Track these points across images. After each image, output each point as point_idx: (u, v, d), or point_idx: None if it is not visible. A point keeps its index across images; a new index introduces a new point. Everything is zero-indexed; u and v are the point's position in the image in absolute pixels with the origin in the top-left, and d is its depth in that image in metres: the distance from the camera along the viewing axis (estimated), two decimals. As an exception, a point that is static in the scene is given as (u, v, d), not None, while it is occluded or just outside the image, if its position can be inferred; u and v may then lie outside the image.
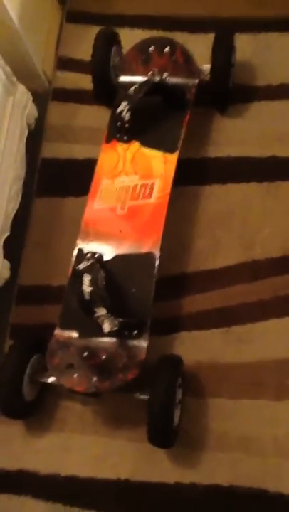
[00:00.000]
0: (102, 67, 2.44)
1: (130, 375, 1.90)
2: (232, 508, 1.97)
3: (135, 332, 1.97)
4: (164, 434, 1.91)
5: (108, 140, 2.33)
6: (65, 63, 2.72)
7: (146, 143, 2.28)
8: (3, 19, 2.29)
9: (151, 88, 2.29)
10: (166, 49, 2.40)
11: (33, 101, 2.50)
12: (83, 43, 2.64)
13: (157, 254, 2.07)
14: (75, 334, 2.02)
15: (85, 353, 1.96)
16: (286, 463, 1.98)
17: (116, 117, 2.30)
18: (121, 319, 1.92)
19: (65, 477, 2.03)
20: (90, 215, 2.20)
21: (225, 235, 2.31)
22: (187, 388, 2.04)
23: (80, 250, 2.14)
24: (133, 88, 2.29)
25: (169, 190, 2.17)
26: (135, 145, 2.29)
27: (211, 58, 2.38)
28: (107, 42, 2.47)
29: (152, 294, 2.03)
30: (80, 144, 2.54)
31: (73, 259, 2.13)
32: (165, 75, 2.36)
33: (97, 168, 2.28)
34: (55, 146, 2.55)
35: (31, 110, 2.49)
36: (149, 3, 2.79)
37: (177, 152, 2.24)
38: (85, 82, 2.55)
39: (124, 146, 2.30)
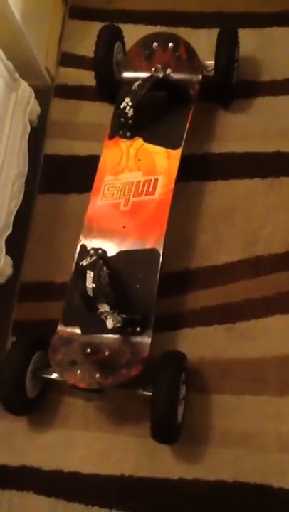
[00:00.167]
0: (105, 64, 2.44)
1: (134, 372, 1.90)
2: (235, 503, 1.97)
3: (138, 328, 1.97)
4: (168, 430, 1.91)
5: (111, 136, 2.33)
6: (67, 59, 2.73)
7: (149, 139, 2.28)
8: (5, 15, 2.29)
9: (154, 84, 2.29)
10: (170, 45, 2.40)
11: (36, 97, 2.49)
12: (86, 39, 2.65)
13: (161, 250, 2.07)
14: (77, 330, 2.02)
15: (88, 350, 1.96)
16: (289, 458, 1.99)
17: (119, 113, 2.29)
18: (124, 315, 1.92)
19: (68, 473, 2.03)
20: (93, 211, 2.20)
21: (228, 230, 2.31)
22: (190, 384, 2.04)
23: (83, 246, 2.14)
24: (136, 84, 2.29)
25: (172, 186, 2.17)
26: (138, 141, 2.29)
27: (214, 54, 2.38)
28: (110, 38, 2.47)
29: (156, 290, 2.03)
30: (82, 140, 2.54)
31: (76, 255, 2.13)
32: (168, 70, 2.37)
33: (100, 165, 2.28)
34: (58, 143, 2.56)
35: (34, 107, 2.48)
36: (152, -1, 2.80)
37: (180, 148, 2.24)
38: (87, 78, 2.55)
39: (128, 142, 2.30)
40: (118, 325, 1.90)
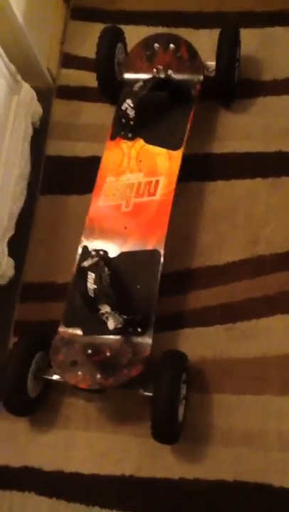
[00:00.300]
0: (107, 65, 2.44)
1: (134, 372, 1.91)
2: (236, 503, 1.97)
3: (139, 329, 1.98)
4: (168, 430, 1.92)
5: (113, 137, 2.33)
6: (69, 60, 2.73)
7: (150, 140, 2.29)
8: (7, 17, 2.29)
9: (155, 85, 2.30)
10: (171, 45, 2.41)
11: (38, 98, 2.50)
12: (88, 40, 2.65)
13: (162, 251, 2.07)
14: (79, 332, 2.03)
15: (89, 350, 1.96)
16: (290, 458, 1.99)
17: (120, 115, 2.30)
18: (125, 316, 1.92)
19: (70, 473, 2.03)
20: (94, 212, 2.20)
21: (230, 230, 2.31)
22: (191, 384, 2.04)
23: (85, 247, 2.15)
24: (137, 85, 2.29)
25: (173, 187, 2.17)
26: (140, 142, 2.29)
27: (216, 54, 2.38)
28: (111, 39, 2.48)
29: (157, 290, 2.04)
30: (84, 141, 2.54)
31: (78, 256, 2.13)
32: (170, 71, 2.37)
33: (102, 166, 2.29)
34: (60, 144, 2.56)
35: (36, 108, 2.50)
36: (153, 0, 2.80)
37: (182, 149, 2.24)
38: (89, 79, 2.56)
39: (129, 143, 2.30)
40: (119, 326, 1.90)
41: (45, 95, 2.61)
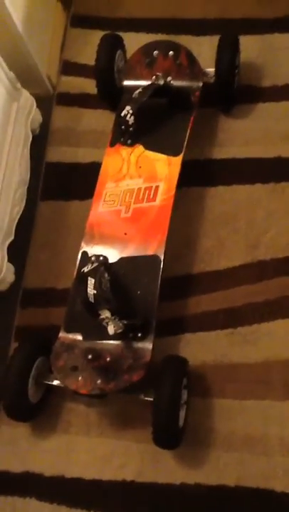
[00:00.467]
0: (107, 72, 2.45)
1: (135, 377, 1.91)
2: (238, 508, 1.97)
3: (140, 334, 1.98)
4: (169, 435, 1.91)
5: (112, 144, 2.34)
6: (69, 68, 2.74)
7: (150, 146, 2.29)
8: (6, 24, 2.30)
9: (155, 92, 2.30)
10: (170, 52, 2.41)
11: (38, 105, 2.52)
12: (88, 48, 2.66)
13: (162, 256, 2.07)
14: (79, 337, 2.03)
15: (90, 356, 1.97)
16: (292, 462, 1.98)
17: (120, 121, 2.30)
18: (126, 321, 1.92)
19: (71, 479, 2.04)
20: (94, 218, 2.21)
21: (230, 235, 2.31)
22: (193, 389, 2.03)
23: (85, 253, 2.15)
24: (137, 92, 2.30)
25: (173, 192, 2.18)
26: (139, 148, 2.30)
27: (215, 61, 2.39)
28: (111, 46, 2.49)
29: (157, 295, 2.04)
30: (84, 147, 2.55)
31: (78, 262, 2.14)
32: (169, 78, 2.38)
33: (102, 172, 2.29)
34: (60, 150, 2.57)
35: (35, 115, 2.51)
36: (153, 7, 2.81)
37: (181, 155, 2.25)
38: (89, 86, 2.57)
39: (129, 149, 2.31)
40: (119, 331, 1.90)
41: (45, 102, 2.62)
